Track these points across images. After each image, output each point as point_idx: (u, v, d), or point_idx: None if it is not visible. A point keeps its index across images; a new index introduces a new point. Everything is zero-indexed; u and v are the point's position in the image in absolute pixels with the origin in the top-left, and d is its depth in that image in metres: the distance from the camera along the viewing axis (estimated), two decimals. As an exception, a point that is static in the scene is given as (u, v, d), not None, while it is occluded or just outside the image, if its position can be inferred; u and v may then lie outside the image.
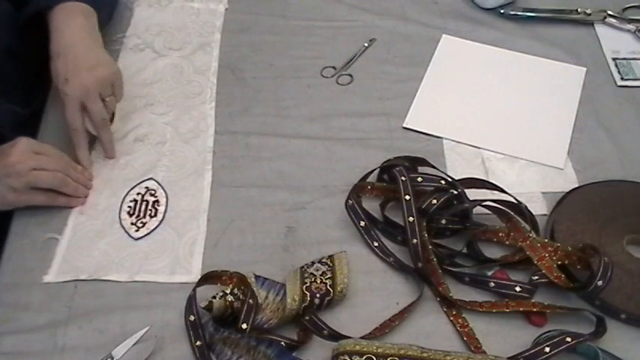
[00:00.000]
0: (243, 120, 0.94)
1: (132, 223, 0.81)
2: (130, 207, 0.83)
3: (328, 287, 0.73)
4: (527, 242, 0.77)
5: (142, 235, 0.80)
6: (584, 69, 1.01)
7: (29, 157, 0.77)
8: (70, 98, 0.82)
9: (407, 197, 0.78)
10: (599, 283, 0.71)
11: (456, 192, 0.80)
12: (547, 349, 0.68)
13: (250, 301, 0.71)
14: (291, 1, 1.10)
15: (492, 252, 0.79)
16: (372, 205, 0.83)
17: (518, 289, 0.74)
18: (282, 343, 0.70)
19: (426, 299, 0.75)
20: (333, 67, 1.01)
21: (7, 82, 0.89)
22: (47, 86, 0.94)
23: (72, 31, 0.85)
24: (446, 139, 0.92)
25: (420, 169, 0.85)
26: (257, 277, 0.74)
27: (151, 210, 0.83)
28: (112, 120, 0.88)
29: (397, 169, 0.81)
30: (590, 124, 0.94)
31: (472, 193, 0.81)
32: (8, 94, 0.89)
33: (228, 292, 0.72)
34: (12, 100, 0.89)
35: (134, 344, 0.69)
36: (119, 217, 0.82)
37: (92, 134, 0.86)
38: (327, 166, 0.88)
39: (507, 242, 0.79)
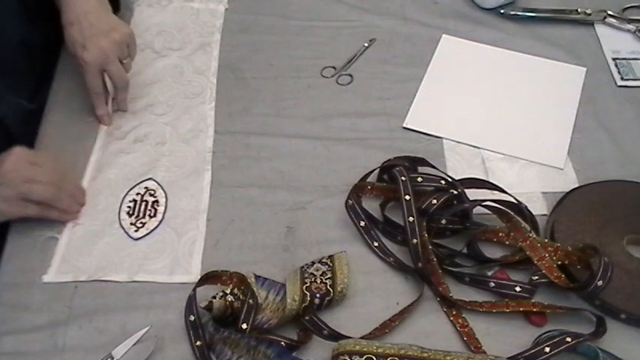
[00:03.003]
0: (243, 120, 0.93)
1: (131, 224, 0.81)
2: (129, 207, 0.83)
3: (328, 287, 0.73)
4: (527, 242, 0.77)
5: (141, 235, 0.80)
6: (584, 69, 1.01)
7: (23, 167, 0.75)
8: (90, 64, 0.85)
9: (407, 197, 0.78)
10: (599, 283, 0.71)
11: (456, 192, 0.80)
12: (547, 349, 0.68)
13: (250, 301, 0.71)
14: (291, 1, 1.10)
15: (492, 252, 0.79)
16: (372, 205, 0.83)
17: (518, 289, 0.74)
18: (282, 343, 0.70)
19: (426, 299, 0.75)
20: (333, 67, 1.01)
21: (18, 75, 0.91)
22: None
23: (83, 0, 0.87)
24: (446, 139, 0.92)
25: (420, 169, 0.85)
26: (257, 277, 0.74)
27: (150, 210, 0.82)
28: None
29: (397, 169, 0.81)
30: (590, 124, 0.94)
31: (472, 193, 0.81)
32: (17, 87, 0.90)
33: (228, 292, 0.72)
34: (20, 94, 0.90)
35: (134, 344, 0.69)
36: (119, 217, 0.82)
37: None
38: (327, 166, 0.88)
39: (507, 242, 0.79)
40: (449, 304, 0.75)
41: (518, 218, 0.79)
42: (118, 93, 0.91)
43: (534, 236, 0.77)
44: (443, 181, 0.82)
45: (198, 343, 0.70)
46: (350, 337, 0.70)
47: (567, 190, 0.85)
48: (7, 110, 0.86)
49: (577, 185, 0.86)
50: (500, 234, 0.79)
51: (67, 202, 0.80)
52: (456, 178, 0.83)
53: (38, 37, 0.93)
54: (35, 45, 0.93)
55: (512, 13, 1.08)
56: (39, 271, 0.76)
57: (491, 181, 0.83)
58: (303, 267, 0.76)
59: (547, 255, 0.76)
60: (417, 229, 0.76)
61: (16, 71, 0.90)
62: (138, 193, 0.84)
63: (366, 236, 0.80)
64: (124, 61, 0.89)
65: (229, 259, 0.78)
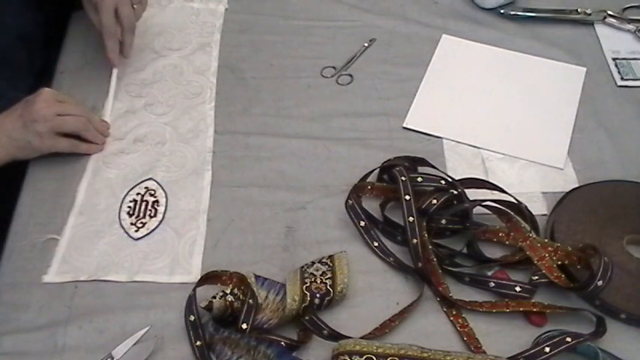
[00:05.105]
0: (243, 120, 0.93)
1: (131, 224, 0.81)
2: (129, 207, 0.83)
3: (328, 287, 0.73)
4: (527, 242, 0.77)
5: (141, 235, 0.80)
6: (584, 69, 1.01)
7: (54, 104, 0.82)
8: (107, 3, 0.89)
9: (407, 197, 0.78)
10: (599, 283, 0.71)
11: (456, 192, 0.80)
12: (547, 349, 0.68)
13: (250, 301, 0.71)
14: (291, 1, 1.10)
15: (492, 252, 0.79)
16: (372, 205, 0.83)
17: (518, 289, 0.74)
18: (282, 343, 0.70)
19: (426, 299, 0.75)
20: (333, 67, 1.01)
21: (18, 69, 0.92)
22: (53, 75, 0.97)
23: None
24: (446, 139, 0.92)
25: (420, 169, 0.85)
26: (257, 277, 0.74)
27: (150, 210, 0.82)
28: None
29: (397, 169, 0.81)
30: (590, 124, 0.94)
31: (472, 193, 0.81)
32: (17, 81, 0.91)
33: (228, 292, 0.72)
34: (20, 88, 0.91)
35: (134, 344, 0.69)
36: (119, 217, 0.82)
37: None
38: (327, 166, 0.88)
39: (507, 242, 0.79)
40: (449, 304, 0.75)
41: (518, 218, 0.79)
42: (125, 36, 0.93)
43: (534, 236, 0.77)
44: (443, 181, 0.82)
45: (198, 343, 0.70)
46: (350, 337, 0.70)
47: (567, 190, 0.85)
48: (6, 104, 0.86)
49: (577, 185, 0.86)
50: (500, 234, 0.79)
51: (94, 133, 0.87)
52: (456, 178, 0.83)
53: (38, 31, 0.94)
54: (35, 39, 0.94)
55: (512, 13, 1.08)
56: (39, 271, 0.76)
57: (491, 181, 0.83)
58: (303, 267, 0.76)
59: (547, 255, 0.76)
60: (417, 229, 0.76)
61: (15, 65, 0.92)
62: (138, 193, 0.84)
63: (366, 236, 0.80)
64: (135, 6, 0.93)
65: (229, 259, 0.78)
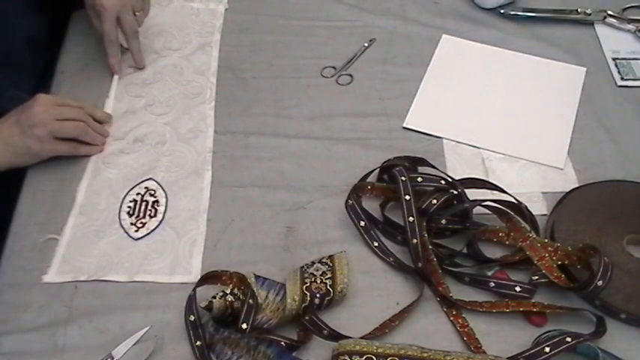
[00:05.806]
0: (243, 120, 0.93)
1: (131, 224, 0.81)
2: (129, 207, 0.83)
3: (328, 287, 0.73)
4: (527, 242, 0.77)
5: (141, 235, 0.80)
6: (584, 69, 1.01)
7: (52, 108, 0.82)
8: (108, 10, 0.90)
9: (407, 197, 0.78)
10: (599, 283, 0.71)
11: (456, 192, 0.80)
12: (547, 349, 0.68)
13: (250, 301, 0.71)
14: (291, 1, 1.10)
15: (492, 252, 0.79)
16: (372, 205, 0.83)
17: (518, 289, 0.74)
18: (282, 343, 0.70)
19: (426, 299, 0.75)
20: (333, 67, 1.01)
21: (22, 69, 0.93)
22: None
23: None
24: (446, 139, 0.92)
25: (420, 169, 0.85)
26: (257, 277, 0.74)
27: (150, 210, 0.82)
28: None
29: (397, 169, 0.81)
30: (590, 124, 0.94)
31: (472, 193, 0.81)
32: (20, 81, 0.92)
33: (228, 292, 0.72)
34: (22, 88, 0.92)
35: (134, 344, 0.69)
36: (119, 217, 0.82)
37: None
38: (327, 166, 0.88)
39: (507, 242, 0.79)
40: (449, 304, 0.75)
41: (518, 218, 0.79)
42: (130, 42, 0.95)
43: (534, 236, 0.77)
44: (443, 181, 0.81)
45: (198, 343, 0.70)
46: (350, 337, 0.70)
47: (567, 190, 0.85)
48: (9, 104, 0.87)
49: (577, 185, 0.86)
50: (500, 234, 0.79)
51: (93, 135, 0.87)
52: (456, 178, 0.83)
53: (42, 32, 0.95)
54: (39, 40, 0.95)
55: (512, 13, 1.08)
56: (39, 271, 0.76)
57: (491, 181, 0.83)
58: (303, 267, 0.76)
59: (547, 255, 0.76)
60: (417, 229, 0.76)
61: (19, 65, 0.92)
62: (138, 193, 0.84)
63: (366, 236, 0.80)
64: (137, 13, 0.94)
65: (229, 259, 0.78)
